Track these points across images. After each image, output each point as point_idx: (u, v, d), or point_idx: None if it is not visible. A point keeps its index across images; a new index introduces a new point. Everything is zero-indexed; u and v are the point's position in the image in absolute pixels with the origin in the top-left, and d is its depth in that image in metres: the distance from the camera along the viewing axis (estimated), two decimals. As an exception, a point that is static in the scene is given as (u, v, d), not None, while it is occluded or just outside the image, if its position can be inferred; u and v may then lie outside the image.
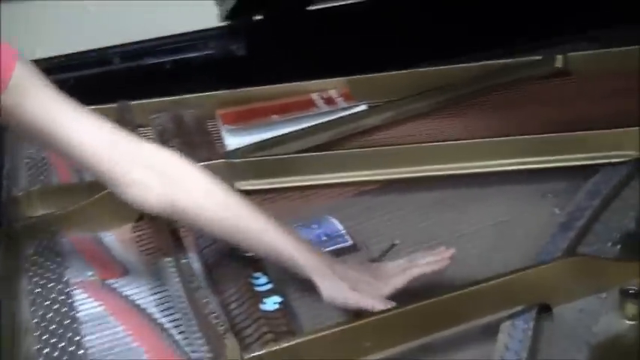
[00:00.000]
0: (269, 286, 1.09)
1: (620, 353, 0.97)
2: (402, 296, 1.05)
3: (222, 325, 0.96)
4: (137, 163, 1.07)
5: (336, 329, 0.96)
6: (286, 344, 0.94)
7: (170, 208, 1.08)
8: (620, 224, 1.18)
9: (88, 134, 1.07)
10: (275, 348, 0.94)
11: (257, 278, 1.11)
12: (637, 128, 1.31)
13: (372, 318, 0.97)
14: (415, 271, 1.05)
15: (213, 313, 0.98)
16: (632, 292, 1.00)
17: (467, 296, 1.00)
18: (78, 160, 1.09)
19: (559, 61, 1.58)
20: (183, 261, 1.09)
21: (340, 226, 1.23)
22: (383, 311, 0.98)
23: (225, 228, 1.08)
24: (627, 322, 0.99)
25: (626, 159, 1.30)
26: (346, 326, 0.96)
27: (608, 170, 1.29)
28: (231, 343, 0.93)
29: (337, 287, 1.04)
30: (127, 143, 1.08)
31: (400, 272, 1.06)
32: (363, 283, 1.05)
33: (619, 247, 1.13)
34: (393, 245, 1.14)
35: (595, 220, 1.19)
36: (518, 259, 1.14)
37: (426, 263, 1.06)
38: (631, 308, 0.99)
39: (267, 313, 1.03)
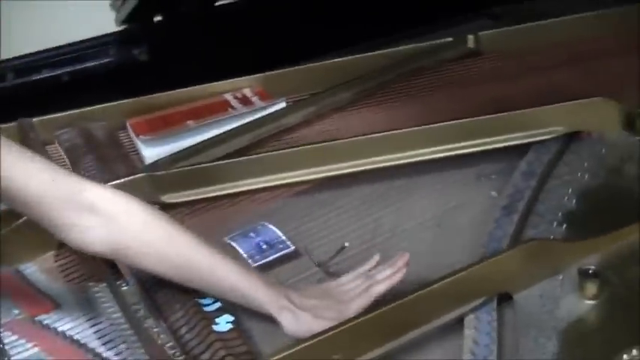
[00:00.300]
0: (217, 305, 1.03)
1: (586, 334, 0.96)
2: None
3: (178, 356, 0.90)
4: (76, 204, 0.99)
5: (300, 346, 0.91)
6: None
7: (114, 248, 1.01)
8: (560, 202, 1.17)
9: (32, 177, 0.99)
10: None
11: (203, 297, 1.05)
12: (559, 105, 1.32)
13: (332, 332, 0.92)
14: (378, 290, 1.01)
15: (168, 343, 0.92)
16: (591, 272, 0.99)
17: (425, 297, 0.97)
18: (20, 203, 1.01)
19: (471, 42, 1.57)
20: (124, 287, 1.02)
21: (279, 232, 1.18)
22: (343, 322, 0.94)
23: (173, 265, 1.01)
24: (587, 302, 0.99)
25: (554, 135, 1.30)
26: (309, 342, 0.91)
27: (538, 148, 1.29)
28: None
29: (300, 319, 0.99)
30: (66, 184, 1.01)
31: (362, 292, 1.01)
32: (325, 309, 1.00)
33: (564, 226, 1.13)
34: (343, 248, 1.10)
35: (535, 200, 1.19)
36: (467, 248, 1.12)
37: (385, 277, 1.03)
38: (591, 288, 0.99)
39: (221, 335, 0.98)
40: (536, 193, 1.19)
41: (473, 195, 1.24)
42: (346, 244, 1.10)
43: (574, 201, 1.17)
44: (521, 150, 1.30)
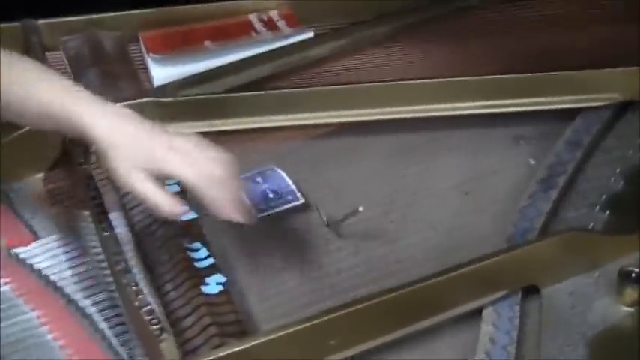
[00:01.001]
0: (210, 261, 0.93)
1: (619, 345, 0.85)
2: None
3: (156, 324, 0.80)
4: None
5: (297, 327, 0.81)
6: (236, 348, 0.79)
7: None
8: (606, 183, 1.05)
9: None
10: (223, 353, 0.78)
11: (196, 250, 0.95)
12: (617, 70, 1.17)
13: (339, 312, 0.82)
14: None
15: (146, 305, 0.82)
16: (634, 275, 0.88)
17: (441, 284, 0.86)
18: None
19: (524, -17, 1.42)
20: (106, 234, 0.91)
21: (289, 181, 1.07)
22: (350, 303, 0.83)
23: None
24: (625, 308, 0.88)
25: (608, 102, 1.17)
26: (309, 323, 0.81)
27: (588, 115, 1.15)
28: (168, 346, 0.78)
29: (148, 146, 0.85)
30: None
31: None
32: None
33: (607, 212, 1.00)
34: (356, 211, 0.98)
35: (578, 176, 1.06)
36: (495, 224, 1.01)
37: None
38: (631, 294, 0.87)
39: (209, 298, 0.87)
40: (579, 168, 1.07)
41: (509, 161, 1.11)
42: (360, 209, 0.98)
43: (621, 183, 1.04)
44: (569, 114, 1.17)
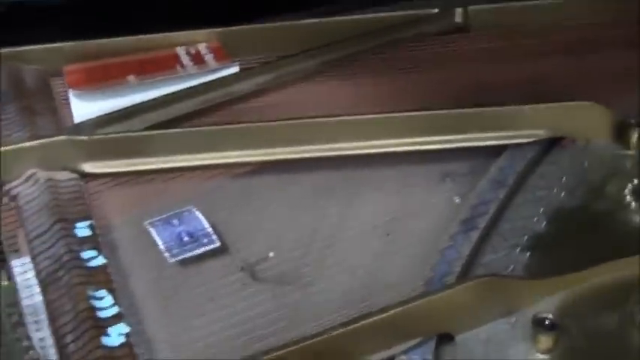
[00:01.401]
0: (115, 310, 0.90)
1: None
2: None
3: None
4: None
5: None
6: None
7: None
8: (528, 223, 1.02)
9: None
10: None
11: (100, 298, 0.91)
12: (543, 105, 1.16)
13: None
14: None
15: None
16: (548, 322, 0.85)
17: (358, 331, 0.83)
18: None
19: (458, 15, 1.40)
20: (4, 283, 0.88)
21: (205, 223, 1.04)
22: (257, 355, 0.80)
23: None
24: (541, 356, 0.85)
25: (534, 139, 1.15)
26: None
27: (513, 152, 1.13)
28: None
29: None
30: None
31: None
32: None
33: (528, 254, 0.98)
34: (268, 258, 0.96)
35: (500, 216, 1.04)
36: (414, 267, 0.98)
37: None
38: (545, 341, 0.85)
39: (109, 350, 0.84)
40: (502, 208, 1.05)
41: (433, 199, 1.09)
42: (271, 254, 0.96)
43: (544, 224, 1.03)
44: (495, 150, 1.15)
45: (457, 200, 1.09)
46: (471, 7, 1.40)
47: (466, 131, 1.16)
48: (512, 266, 0.97)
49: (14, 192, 1.08)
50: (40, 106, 1.22)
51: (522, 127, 1.15)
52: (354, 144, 1.14)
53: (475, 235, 1.00)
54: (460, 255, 0.98)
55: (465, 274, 0.95)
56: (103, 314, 0.88)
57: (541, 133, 1.15)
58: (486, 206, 1.05)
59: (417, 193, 1.10)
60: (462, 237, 1.00)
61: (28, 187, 1.08)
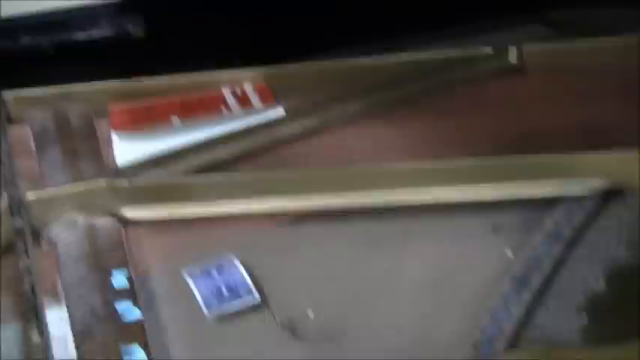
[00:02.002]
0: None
1: None
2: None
3: None
4: None
5: None
6: None
7: None
8: (585, 281, 0.97)
9: None
10: None
11: (133, 355, 0.88)
12: (604, 153, 1.10)
13: None
14: None
15: None
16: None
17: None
18: None
19: (512, 55, 1.35)
20: (35, 337, 0.85)
21: (246, 275, 1.00)
22: None
23: None
24: None
25: (592, 190, 1.09)
26: None
27: (569, 203, 1.08)
28: None
29: None
30: None
31: None
32: None
33: (586, 316, 0.93)
34: (307, 317, 0.92)
35: (556, 273, 0.99)
36: (462, 326, 0.93)
37: None
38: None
39: None
40: (557, 264, 0.99)
41: (484, 252, 1.04)
42: (311, 315, 0.92)
43: (603, 282, 0.97)
44: (550, 200, 1.10)
45: (509, 254, 1.04)
46: (525, 47, 1.35)
47: (519, 180, 1.11)
48: (568, 329, 0.91)
49: (53, 237, 1.06)
50: (84, 147, 1.21)
51: (579, 177, 1.10)
52: (402, 193, 1.10)
53: (528, 294, 0.95)
54: (511, 315, 0.93)
55: (516, 338, 0.90)
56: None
57: (599, 183, 1.09)
58: (540, 262, 1.00)
59: (467, 246, 1.05)
60: (513, 295, 0.95)
61: (67, 232, 1.06)
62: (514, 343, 0.90)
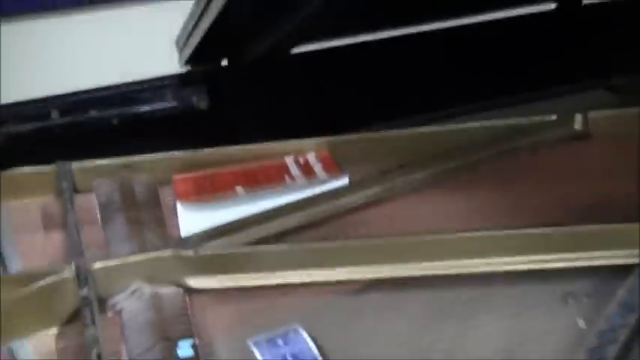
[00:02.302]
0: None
1: None
2: None
3: None
4: None
5: None
6: None
7: None
8: (663, 353, 0.94)
9: None
10: None
11: None
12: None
13: None
14: None
15: None
16: None
17: None
18: None
19: (578, 122, 1.34)
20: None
21: (312, 344, 0.99)
22: None
23: None
24: None
25: (666, 258, 1.06)
26: None
27: (643, 272, 1.05)
28: None
29: None
30: None
31: None
32: None
33: (664, 388, 0.89)
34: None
35: (632, 344, 0.96)
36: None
37: None
38: None
39: None
40: (633, 335, 0.96)
41: (555, 323, 1.01)
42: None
43: (681, 353, 0.94)
44: (623, 268, 1.07)
45: (582, 325, 1.01)
46: (591, 113, 1.34)
47: (589, 249, 1.08)
48: (647, 404, 0.88)
49: (118, 307, 1.06)
50: (148, 216, 1.22)
51: (653, 245, 1.07)
52: (469, 261, 1.08)
53: (604, 367, 0.92)
54: (588, 390, 0.90)
55: (594, 412, 0.87)
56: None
57: (674, 251, 1.07)
58: (614, 333, 0.97)
59: (537, 316, 1.03)
60: (589, 368, 0.92)
61: (133, 301, 1.06)
62: (591, 417, 0.87)
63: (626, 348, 0.95)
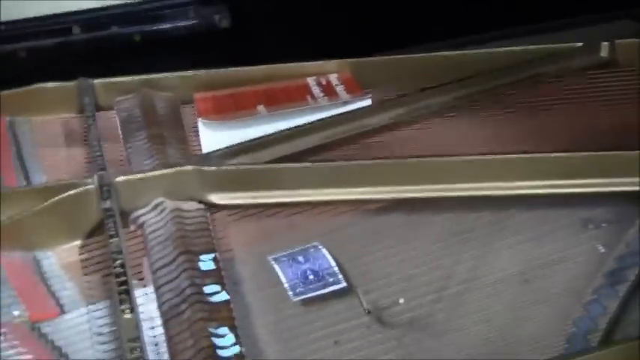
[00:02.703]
0: (236, 350, 0.86)
1: None
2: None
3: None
4: None
5: None
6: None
7: None
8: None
9: None
10: None
11: (222, 336, 0.88)
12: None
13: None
14: None
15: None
16: None
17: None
18: None
19: (604, 49, 1.32)
20: (127, 316, 0.86)
21: (332, 261, 0.99)
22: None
23: None
24: None
25: (688, 186, 1.06)
26: None
27: (665, 199, 1.05)
28: None
29: None
30: None
31: None
32: None
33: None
34: (397, 303, 0.91)
35: (651, 269, 0.96)
36: (554, 320, 0.91)
37: None
38: None
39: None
40: (653, 260, 0.97)
41: (575, 247, 1.01)
42: (401, 301, 0.90)
43: (701, 279, 0.94)
44: (643, 196, 1.07)
45: (601, 250, 1.01)
46: (618, 41, 1.32)
47: (611, 175, 1.08)
48: (664, 326, 0.89)
49: (141, 220, 1.06)
50: (170, 133, 1.22)
51: (674, 172, 1.07)
52: (490, 185, 1.08)
53: (623, 289, 0.93)
54: (606, 311, 0.90)
55: (611, 333, 0.87)
56: (224, 353, 0.85)
57: (697, 179, 1.06)
58: (635, 258, 0.97)
59: (558, 240, 1.03)
60: (607, 291, 0.93)
61: (155, 215, 1.06)
62: (609, 338, 0.88)
63: (646, 271, 0.95)
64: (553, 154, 1.09)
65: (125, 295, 0.89)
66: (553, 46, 1.32)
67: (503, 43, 1.37)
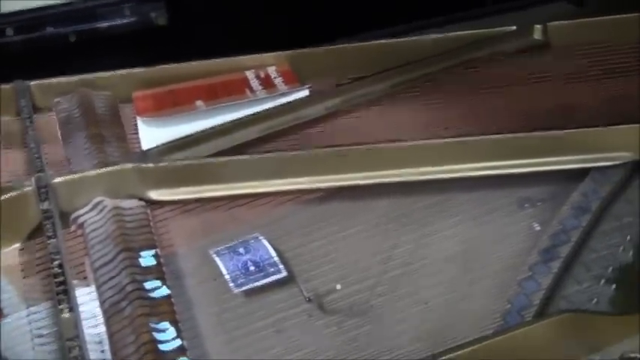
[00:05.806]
0: (177, 343, 0.87)
1: None
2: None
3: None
4: None
5: None
6: None
7: None
8: (613, 253, 0.96)
9: None
10: None
11: (163, 331, 0.88)
12: (630, 126, 1.09)
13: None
14: None
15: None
16: (637, 361, 0.79)
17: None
18: None
19: (537, 32, 1.34)
20: (65, 315, 0.86)
21: (272, 252, 1.00)
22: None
23: None
24: (630, 398, 0.79)
25: (620, 162, 1.08)
26: None
27: (597, 176, 1.07)
28: None
29: None
30: None
31: None
32: None
33: (614, 286, 0.92)
34: (334, 290, 0.92)
35: (583, 246, 0.98)
36: (491, 299, 0.93)
37: None
38: (634, 382, 0.79)
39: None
40: (585, 236, 0.99)
41: (511, 226, 1.04)
42: (338, 287, 0.92)
43: (631, 253, 0.96)
44: (579, 174, 1.09)
45: (537, 227, 1.03)
46: (550, 24, 1.34)
47: (546, 155, 1.10)
48: (596, 299, 0.91)
49: (81, 220, 1.06)
50: (109, 132, 1.21)
51: (606, 150, 1.09)
52: (427, 169, 1.10)
53: (556, 266, 0.95)
54: (540, 287, 0.92)
55: (545, 308, 0.90)
56: (165, 347, 0.86)
57: (626, 155, 1.08)
58: (568, 234, 0.99)
59: (494, 220, 1.05)
60: (542, 267, 0.95)
61: (94, 215, 1.06)
62: (543, 314, 0.90)
63: (578, 247, 0.97)
64: (488, 136, 1.10)
65: (63, 295, 0.89)
66: (486, 30, 1.34)
67: (441, 30, 1.38)
